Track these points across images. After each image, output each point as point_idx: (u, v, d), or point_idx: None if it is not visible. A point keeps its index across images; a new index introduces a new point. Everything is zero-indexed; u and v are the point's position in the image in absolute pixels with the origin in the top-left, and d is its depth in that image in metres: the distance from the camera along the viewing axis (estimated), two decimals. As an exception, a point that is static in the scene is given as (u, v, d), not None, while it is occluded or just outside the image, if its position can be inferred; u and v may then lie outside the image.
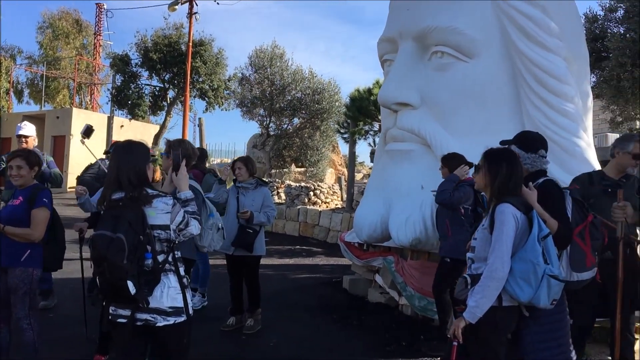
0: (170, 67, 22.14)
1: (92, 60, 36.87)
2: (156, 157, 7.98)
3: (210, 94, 22.73)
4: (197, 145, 25.00)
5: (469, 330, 2.62)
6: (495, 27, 5.18)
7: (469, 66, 5.18)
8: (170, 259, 2.78)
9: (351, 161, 13.59)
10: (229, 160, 22.03)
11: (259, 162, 18.48)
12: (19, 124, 5.66)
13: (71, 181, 19.90)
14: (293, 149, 20.13)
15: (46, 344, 4.42)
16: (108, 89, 26.28)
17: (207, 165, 6.79)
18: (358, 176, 19.71)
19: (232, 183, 5.34)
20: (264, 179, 6.86)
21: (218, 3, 25.11)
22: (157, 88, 23.65)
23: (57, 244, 3.81)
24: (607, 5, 9.74)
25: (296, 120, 20.00)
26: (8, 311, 3.62)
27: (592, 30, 9.86)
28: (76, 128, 21.15)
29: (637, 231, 3.82)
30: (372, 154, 10.39)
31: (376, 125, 13.62)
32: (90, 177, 5.66)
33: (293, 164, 19.99)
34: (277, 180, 16.44)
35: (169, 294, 2.73)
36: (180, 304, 2.77)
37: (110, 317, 2.75)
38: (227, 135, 60.46)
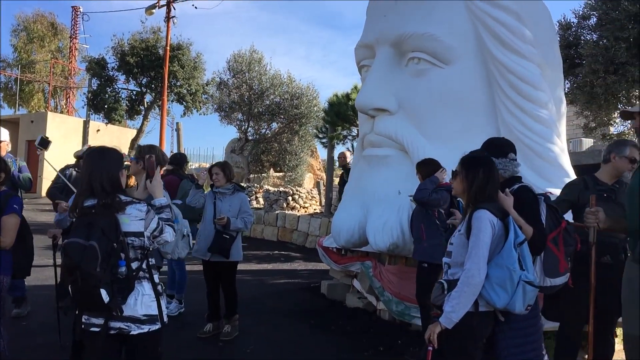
0: (148, 71, 21.96)
1: (68, 63, 36.36)
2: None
3: (188, 98, 22.59)
4: (175, 149, 24.88)
5: (445, 335, 2.63)
6: (471, 33, 5.23)
7: (445, 72, 5.22)
8: (144, 266, 2.74)
9: (330, 166, 13.59)
10: (207, 165, 21.87)
11: (238, 166, 18.37)
12: (-9, 129, 5.55)
13: (46, 186, 19.55)
14: (271, 153, 20.05)
15: (19, 351, 4.36)
16: (84, 93, 25.90)
17: (185, 170, 6.72)
18: (337, 181, 19.65)
19: (210, 188, 5.32)
20: (242, 184, 6.81)
21: (196, 7, 24.90)
22: (134, 92, 23.43)
23: (26, 250, 3.74)
24: (581, 12, 9.90)
25: (275, 125, 19.93)
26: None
27: (566, 37, 10.01)
28: (51, 132, 20.79)
29: None
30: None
31: (354, 130, 13.65)
32: (56, 189, 5.57)
33: (272, 169, 19.92)
34: (255, 185, 16.37)
35: (143, 301, 2.70)
36: (155, 312, 2.74)
37: (82, 326, 2.70)
38: (205, 139, 60.34)
